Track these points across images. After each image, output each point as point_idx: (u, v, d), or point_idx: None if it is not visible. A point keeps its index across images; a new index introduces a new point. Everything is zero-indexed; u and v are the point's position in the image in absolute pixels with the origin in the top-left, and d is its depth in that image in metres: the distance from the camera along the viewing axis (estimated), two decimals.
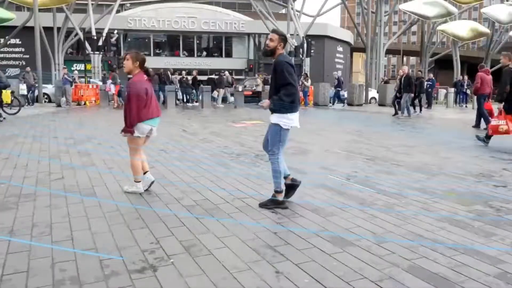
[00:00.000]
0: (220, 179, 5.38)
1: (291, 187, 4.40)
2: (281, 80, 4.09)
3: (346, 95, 21.98)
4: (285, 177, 4.35)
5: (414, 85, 15.17)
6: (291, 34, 33.16)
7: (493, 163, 6.64)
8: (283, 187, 4.31)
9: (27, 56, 37.54)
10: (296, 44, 29.33)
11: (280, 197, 4.26)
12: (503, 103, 8.03)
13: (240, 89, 20.83)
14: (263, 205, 4.24)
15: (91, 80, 22.74)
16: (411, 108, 15.66)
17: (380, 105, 22.86)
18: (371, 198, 4.61)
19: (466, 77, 27.11)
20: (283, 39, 4.23)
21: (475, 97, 14.10)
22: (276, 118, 4.17)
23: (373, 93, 28.00)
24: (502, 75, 8.12)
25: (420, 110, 17.16)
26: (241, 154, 7.30)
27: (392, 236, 3.50)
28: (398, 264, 2.96)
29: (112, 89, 18.47)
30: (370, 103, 26.47)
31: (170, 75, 21.46)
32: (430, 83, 19.92)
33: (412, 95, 15.37)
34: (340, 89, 21.09)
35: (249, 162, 6.57)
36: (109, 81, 18.98)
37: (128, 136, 4.71)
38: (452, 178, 5.56)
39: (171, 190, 4.84)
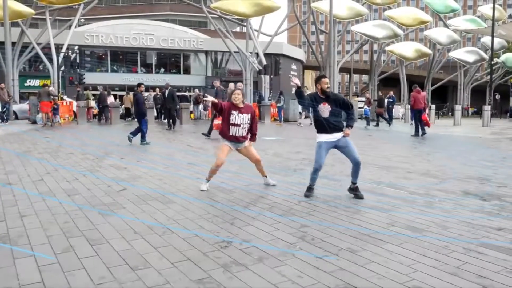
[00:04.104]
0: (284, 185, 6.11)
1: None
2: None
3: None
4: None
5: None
6: (250, 52, 34.29)
7: (483, 169, 7.86)
8: None
9: None
10: (265, 63, 30.43)
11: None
12: None
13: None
14: None
15: (65, 97, 22.47)
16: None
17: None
18: (410, 197, 5.55)
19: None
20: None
21: None
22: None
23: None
24: None
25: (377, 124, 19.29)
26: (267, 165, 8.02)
27: (450, 224, 4.41)
28: (471, 242, 3.87)
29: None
30: None
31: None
32: (391, 100, 21.63)
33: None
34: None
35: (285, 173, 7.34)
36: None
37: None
38: (460, 181, 6.65)
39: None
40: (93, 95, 21.74)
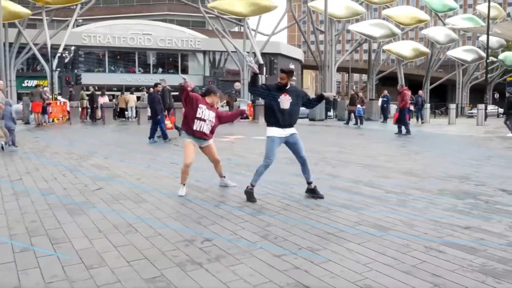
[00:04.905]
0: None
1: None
2: None
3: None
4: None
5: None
6: (247, 52, 34.30)
7: (466, 168, 7.82)
8: None
9: None
10: (261, 62, 30.42)
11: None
12: None
13: None
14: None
15: (59, 97, 22.51)
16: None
17: (339, 119, 24.47)
18: (384, 196, 5.53)
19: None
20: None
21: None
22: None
23: None
24: None
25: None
26: (250, 165, 7.99)
27: (417, 223, 4.39)
28: (434, 240, 3.85)
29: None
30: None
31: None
32: (385, 99, 21.60)
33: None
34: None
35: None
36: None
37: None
38: (439, 180, 6.63)
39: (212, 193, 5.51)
40: (87, 95, 21.75)
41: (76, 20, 39.42)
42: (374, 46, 40.21)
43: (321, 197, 5.34)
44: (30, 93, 17.33)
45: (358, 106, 19.27)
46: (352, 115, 20.21)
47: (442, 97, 56.45)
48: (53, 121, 19.02)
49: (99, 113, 20.07)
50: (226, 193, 5.72)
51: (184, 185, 5.62)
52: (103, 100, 20.77)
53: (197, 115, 5.48)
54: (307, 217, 4.58)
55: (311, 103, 5.61)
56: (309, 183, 5.46)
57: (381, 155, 9.55)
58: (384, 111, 21.90)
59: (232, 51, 35.31)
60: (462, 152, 10.41)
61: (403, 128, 14.81)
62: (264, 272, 3.16)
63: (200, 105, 5.50)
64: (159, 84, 12.02)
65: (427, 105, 24.18)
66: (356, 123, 19.52)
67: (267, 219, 4.53)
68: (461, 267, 3.25)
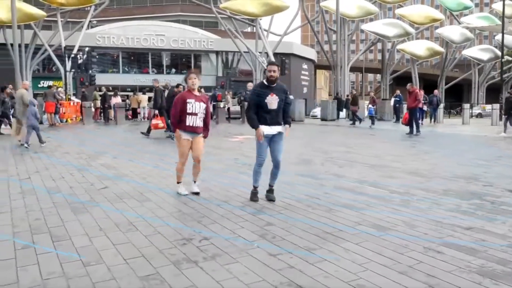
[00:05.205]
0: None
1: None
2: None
3: None
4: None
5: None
6: (259, 52, 34.34)
7: (475, 168, 7.72)
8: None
9: None
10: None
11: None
12: None
13: (221, 106, 21.61)
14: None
15: (73, 97, 22.83)
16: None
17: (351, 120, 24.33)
18: (387, 196, 5.49)
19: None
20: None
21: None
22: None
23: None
24: None
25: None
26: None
27: (418, 223, 4.35)
28: (433, 241, 3.81)
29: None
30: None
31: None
32: (398, 99, 21.39)
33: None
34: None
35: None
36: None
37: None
38: (446, 180, 6.55)
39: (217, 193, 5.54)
40: (100, 95, 22.00)
41: (90, 21, 39.97)
42: (389, 45, 39.88)
43: (272, 199, 5.23)
44: (43, 94, 17.61)
45: (370, 106, 19.15)
46: (354, 115, 20.61)
47: (457, 96, 55.71)
48: (66, 121, 19.32)
49: (112, 113, 20.30)
50: (229, 193, 5.73)
51: (180, 183, 5.64)
52: (116, 100, 20.99)
53: (188, 111, 5.38)
54: (307, 217, 4.57)
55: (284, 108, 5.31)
56: (270, 185, 5.34)
57: (389, 155, 9.48)
58: (397, 111, 21.70)
59: (244, 52, 35.36)
60: (472, 152, 10.28)
61: (414, 128, 14.65)
62: (258, 271, 3.17)
63: (188, 100, 5.39)
64: (181, 84, 12.17)
65: (441, 105, 23.87)
66: (354, 123, 19.86)
67: (267, 218, 4.53)
68: (458, 268, 3.22)
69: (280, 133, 5.18)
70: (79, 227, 4.23)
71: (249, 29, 48.59)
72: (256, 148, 5.21)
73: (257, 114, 5.10)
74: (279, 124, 5.17)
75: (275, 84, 5.10)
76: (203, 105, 5.50)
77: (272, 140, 5.17)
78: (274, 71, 5.05)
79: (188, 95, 5.47)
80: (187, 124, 5.42)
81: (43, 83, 37.39)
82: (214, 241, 3.81)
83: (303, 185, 6.21)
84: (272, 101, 5.05)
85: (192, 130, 5.48)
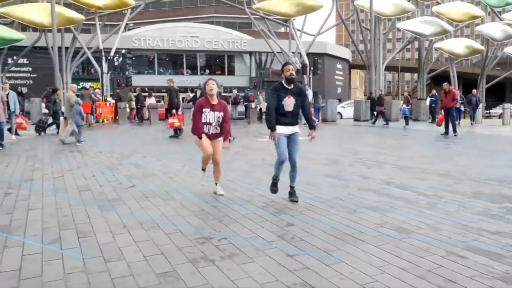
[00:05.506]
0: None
1: None
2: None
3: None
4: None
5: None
6: (292, 53, 34.22)
7: (509, 170, 7.43)
8: None
9: (34, 75, 38.40)
10: (306, 62, 30.29)
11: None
12: None
13: (253, 106, 21.73)
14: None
15: (109, 98, 23.52)
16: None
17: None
18: (414, 199, 5.37)
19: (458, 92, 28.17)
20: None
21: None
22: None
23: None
24: None
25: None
26: None
27: (443, 227, 4.24)
28: (457, 245, 3.71)
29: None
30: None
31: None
32: (434, 98, 20.83)
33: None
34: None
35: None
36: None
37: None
38: (477, 183, 6.34)
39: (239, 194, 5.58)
40: (135, 96, 22.52)
41: (127, 24, 41.01)
42: (426, 44, 38.85)
43: (295, 200, 5.21)
44: (80, 95, 18.21)
45: (404, 106, 18.76)
46: (381, 115, 20.37)
47: (499, 96, 53.65)
48: (102, 121, 19.90)
49: (146, 113, 20.76)
50: (253, 193, 5.76)
51: (205, 170, 5.76)
52: (150, 101, 21.44)
53: (203, 121, 5.48)
54: (328, 218, 4.54)
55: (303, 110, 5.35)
56: (291, 186, 5.33)
57: (420, 156, 9.25)
58: (433, 111, 21.13)
59: (277, 52, 35.33)
60: (508, 153, 9.88)
61: (450, 128, 14.23)
62: (273, 271, 3.18)
63: (203, 110, 5.47)
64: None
65: (481, 105, 23.06)
66: (375, 122, 20.02)
67: (288, 219, 4.53)
68: (480, 274, 3.12)
69: (296, 133, 5.21)
70: (104, 224, 4.36)
71: (282, 29, 48.55)
72: (276, 149, 5.22)
73: (276, 113, 5.13)
74: (295, 124, 5.23)
75: (292, 86, 5.13)
76: (218, 114, 5.51)
77: (289, 139, 5.19)
78: (292, 70, 5.10)
79: (205, 103, 5.50)
80: (205, 132, 5.53)
81: (82, 84, 38.62)
82: (233, 241, 3.84)
83: (328, 186, 6.16)
84: (289, 103, 5.10)
85: (207, 137, 5.55)
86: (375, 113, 20.90)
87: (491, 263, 3.32)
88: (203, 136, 5.53)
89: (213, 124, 5.52)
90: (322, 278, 3.06)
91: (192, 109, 22.99)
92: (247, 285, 2.98)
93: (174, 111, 13.30)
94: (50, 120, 15.23)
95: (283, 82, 5.18)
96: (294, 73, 5.11)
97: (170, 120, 13.41)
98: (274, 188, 5.40)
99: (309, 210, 4.87)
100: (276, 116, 5.10)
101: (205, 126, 5.52)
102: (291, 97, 5.10)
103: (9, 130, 13.34)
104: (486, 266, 3.25)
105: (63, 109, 13.17)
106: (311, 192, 5.70)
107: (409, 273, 3.13)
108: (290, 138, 5.18)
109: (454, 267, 3.23)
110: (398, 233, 4.04)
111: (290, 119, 5.16)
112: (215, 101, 5.53)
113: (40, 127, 14.53)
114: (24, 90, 34.67)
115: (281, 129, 5.13)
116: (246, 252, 3.57)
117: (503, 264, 3.30)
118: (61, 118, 13.69)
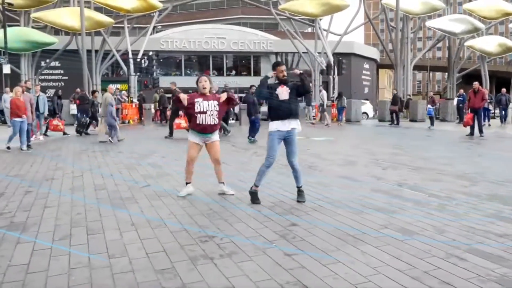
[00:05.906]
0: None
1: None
2: None
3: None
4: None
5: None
6: (318, 53, 34.04)
7: None
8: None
9: (66, 78, 39.54)
10: (331, 63, 30.12)
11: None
12: None
13: None
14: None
15: (135, 99, 24.03)
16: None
17: (411, 120, 23.56)
18: (425, 200, 5.31)
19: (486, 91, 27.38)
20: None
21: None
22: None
23: (366, 107, 28.98)
24: None
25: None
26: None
27: (449, 228, 4.18)
28: (459, 247, 3.66)
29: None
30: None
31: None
32: (461, 98, 20.34)
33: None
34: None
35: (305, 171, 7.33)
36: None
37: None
38: (493, 185, 6.20)
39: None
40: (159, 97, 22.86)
41: (155, 26, 41.74)
42: (457, 42, 37.94)
43: (301, 200, 5.19)
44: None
45: (429, 106, 18.39)
46: (394, 115, 20.33)
47: None
48: (128, 122, 20.35)
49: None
50: (262, 193, 5.76)
51: (189, 184, 5.72)
52: None
53: (196, 110, 5.41)
54: (333, 219, 4.55)
55: (300, 88, 5.22)
56: (298, 187, 5.29)
57: (439, 157, 9.08)
58: (460, 111, 20.62)
59: (303, 52, 35.24)
60: None
61: (476, 129, 13.88)
62: (268, 270, 3.23)
63: (195, 100, 5.44)
64: (254, 86, 12.64)
65: (511, 105, 22.33)
66: (392, 123, 20.07)
67: (293, 219, 4.56)
68: (477, 276, 3.08)
69: (293, 130, 5.13)
70: (114, 222, 4.51)
71: (309, 30, 48.35)
72: (267, 147, 5.21)
73: (271, 109, 5.15)
74: (292, 118, 5.12)
75: (285, 82, 5.18)
76: (213, 102, 5.46)
77: (285, 140, 5.16)
78: (285, 71, 5.15)
79: (195, 95, 5.53)
80: (197, 122, 5.45)
81: (112, 86, 39.63)
82: (234, 240, 3.91)
83: (340, 187, 6.15)
84: (283, 91, 5.08)
85: (203, 129, 5.48)
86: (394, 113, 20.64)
87: (491, 265, 3.27)
88: (192, 143, 5.60)
89: (208, 112, 5.42)
90: (316, 278, 3.09)
91: None
92: (241, 282, 3.04)
93: (180, 112, 13.54)
94: (88, 121, 15.89)
95: (274, 79, 5.24)
96: (286, 74, 5.13)
97: (177, 120, 13.85)
98: (256, 201, 5.19)
99: (315, 210, 4.89)
100: (271, 108, 5.12)
101: (199, 115, 5.42)
102: (284, 86, 5.12)
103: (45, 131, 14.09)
104: (485, 269, 3.20)
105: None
106: (320, 193, 5.71)
107: (405, 274, 3.12)
108: (287, 139, 5.17)
109: (452, 269, 3.20)
110: (402, 234, 4.01)
111: (287, 110, 5.06)
112: (208, 94, 5.54)
113: (81, 128, 15.15)
114: (59, 92, 36.06)
115: (277, 125, 5.09)
116: (245, 251, 3.63)
117: (504, 267, 3.24)
118: (99, 119, 14.32)
